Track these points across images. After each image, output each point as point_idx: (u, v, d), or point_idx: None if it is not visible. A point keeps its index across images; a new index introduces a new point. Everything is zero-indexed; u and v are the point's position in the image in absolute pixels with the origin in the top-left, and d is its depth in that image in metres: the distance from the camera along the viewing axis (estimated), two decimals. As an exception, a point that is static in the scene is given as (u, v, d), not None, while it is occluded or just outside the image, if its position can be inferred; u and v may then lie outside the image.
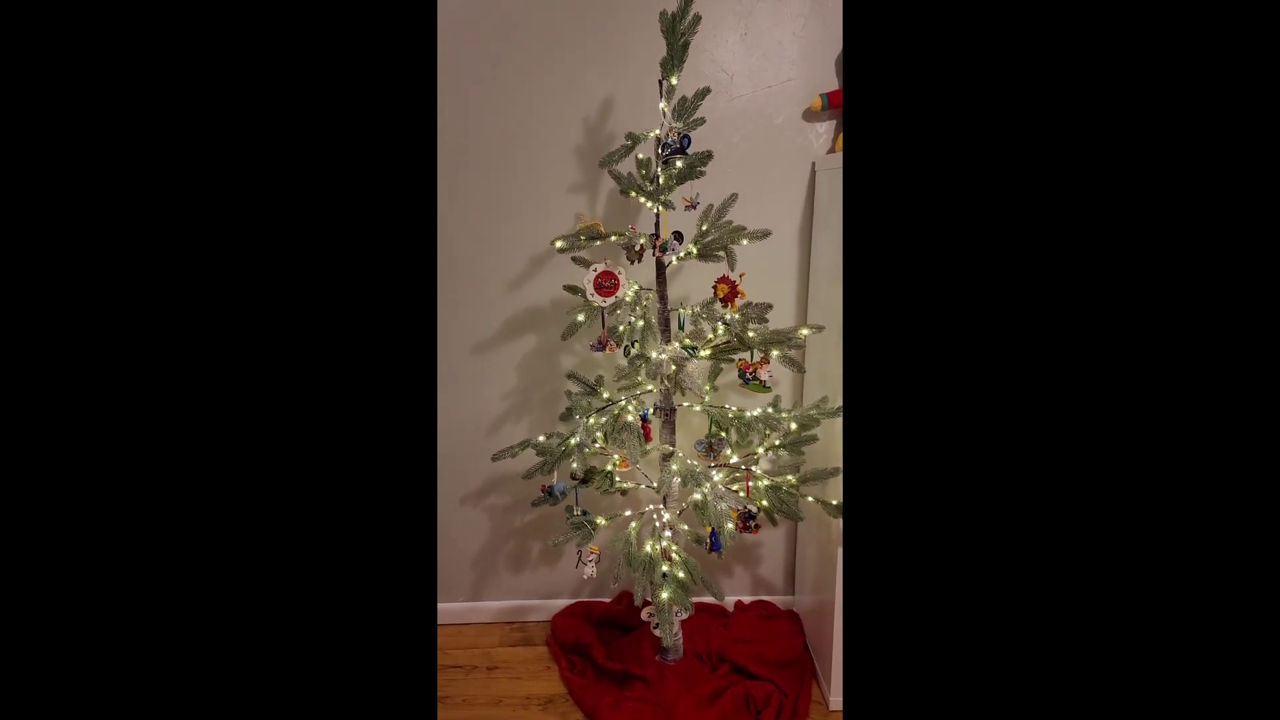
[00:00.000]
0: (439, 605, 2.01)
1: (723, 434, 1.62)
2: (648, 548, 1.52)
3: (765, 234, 1.40)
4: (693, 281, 1.78)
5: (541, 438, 1.58)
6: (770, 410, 1.57)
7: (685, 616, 1.59)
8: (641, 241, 1.44)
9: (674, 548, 1.54)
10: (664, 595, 1.47)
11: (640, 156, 1.44)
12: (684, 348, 1.46)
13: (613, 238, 1.45)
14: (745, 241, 1.40)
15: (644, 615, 1.65)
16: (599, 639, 1.83)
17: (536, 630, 1.97)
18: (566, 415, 1.61)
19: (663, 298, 1.52)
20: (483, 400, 1.89)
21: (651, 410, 1.59)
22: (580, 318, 1.49)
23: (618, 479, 1.68)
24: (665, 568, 1.49)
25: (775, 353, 1.44)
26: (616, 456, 1.66)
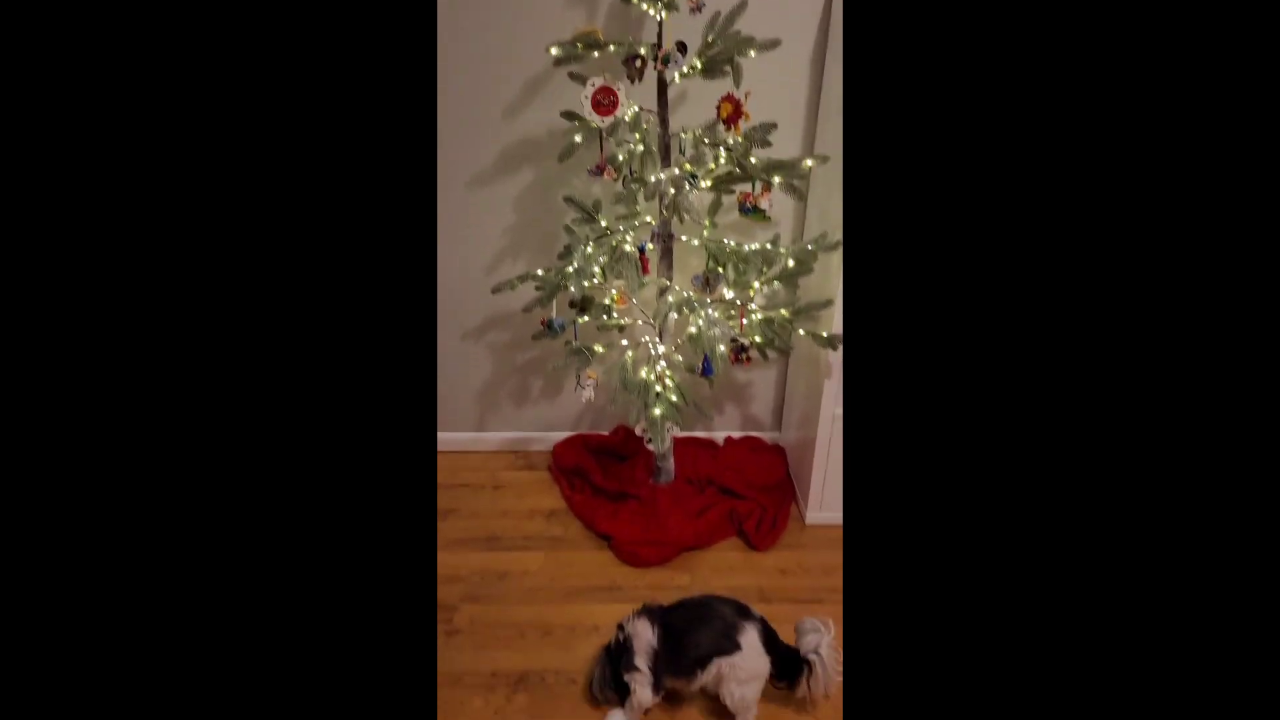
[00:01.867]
0: (445, 434, 2.14)
1: (719, 269, 1.63)
2: (643, 373, 1.58)
3: (775, 43, 1.31)
4: (695, 110, 1.69)
5: (540, 271, 1.59)
6: (768, 246, 1.56)
7: (676, 433, 1.70)
8: (642, 52, 1.35)
9: (668, 372, 1.61)
10: (657, 411, 1.56)
11: (643, -47, 1.31)
12: (685, 174, 1.42)
13: (611, 47, 1.36)
14: (753, 53, 1.32)
15: (638, 430, 1.75)
16: (597, 464, 1.97)
17: (539, 458, 2.12)
18: (565, 254, 1.60)
19: (664, 121, 1.46)
20: (481, 237, 1.88)
21: (649, 241, 1.58)
22: (577, 138, 1.43)
23: (615, 313, 1.72)
24: (659, 389, 1.57)
25: (777, 179, 1.41)
26: (614, 291, 1.68)
